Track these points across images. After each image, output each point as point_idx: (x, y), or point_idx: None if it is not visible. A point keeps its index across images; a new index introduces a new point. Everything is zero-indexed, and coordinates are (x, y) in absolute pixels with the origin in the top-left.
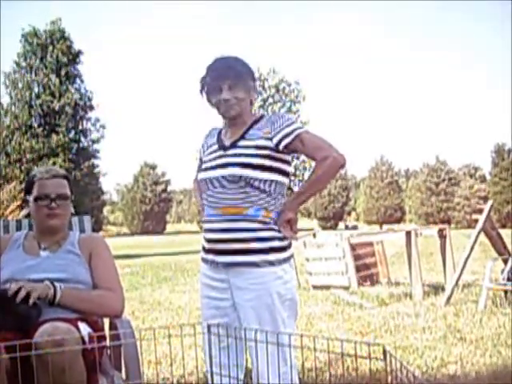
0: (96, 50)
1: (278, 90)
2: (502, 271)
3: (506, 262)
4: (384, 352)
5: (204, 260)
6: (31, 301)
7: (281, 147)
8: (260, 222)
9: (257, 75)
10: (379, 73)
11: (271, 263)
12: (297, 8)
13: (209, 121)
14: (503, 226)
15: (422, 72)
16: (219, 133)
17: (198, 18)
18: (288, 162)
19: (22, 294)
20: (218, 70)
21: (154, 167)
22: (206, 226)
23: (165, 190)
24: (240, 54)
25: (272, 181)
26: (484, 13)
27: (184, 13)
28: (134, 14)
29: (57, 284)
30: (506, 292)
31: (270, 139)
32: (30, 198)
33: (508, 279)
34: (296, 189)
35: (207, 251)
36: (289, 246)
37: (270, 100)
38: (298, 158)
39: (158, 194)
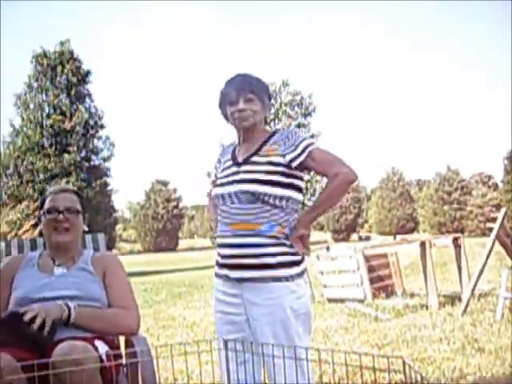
0: (96, 54)
1: (292, 106)
2: None
3: None
4: (403, 364)
5: (218, 275)
6: (47, 328)
7: (293, 165)
8: (272, 237)
9: (271, 89)
10: (379, 73)
11: (284, 278)
12: (297, 8)
13: (219, 135)
14: None
15: (423, 72)
16: (234, 149)
17: (198, 18)
18: (301, 178)
19: (38, 321)
20: (236, 83)
21: (165, 184)
22: (219, 241)
23: (176, 207)
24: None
25: (284, 196)
26: (484, 13)
27: (184, 13)
28: (134, 14)
29: (71, 304)
30: None
31: (283, 156)
32: (42, 213)
33: None
34: (309, 203)
35: (221, 266)
36: (301, 261)
37: (282, 113)
38: (309, 174)
39: (170, 211)
